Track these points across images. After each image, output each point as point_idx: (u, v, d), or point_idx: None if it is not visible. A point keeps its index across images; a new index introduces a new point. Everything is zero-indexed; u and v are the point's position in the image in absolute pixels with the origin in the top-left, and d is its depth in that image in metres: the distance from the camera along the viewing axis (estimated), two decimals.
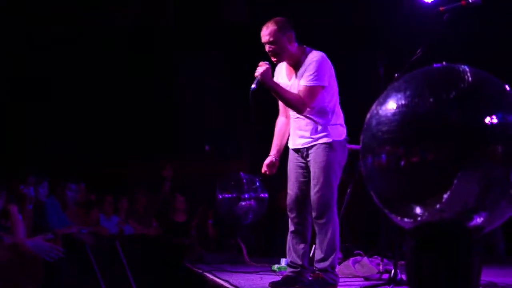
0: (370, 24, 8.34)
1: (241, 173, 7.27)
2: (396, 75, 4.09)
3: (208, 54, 10.04)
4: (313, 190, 4.27)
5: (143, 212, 8.89)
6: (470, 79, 2.18)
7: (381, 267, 5.03)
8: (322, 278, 4.22)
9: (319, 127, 4.29)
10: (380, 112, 2.26)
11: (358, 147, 2.48)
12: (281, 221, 8.05)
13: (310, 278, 4.34)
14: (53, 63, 9.40)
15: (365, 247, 5.77)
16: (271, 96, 4.34)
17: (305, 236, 4.40)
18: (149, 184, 9.19)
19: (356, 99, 4.45)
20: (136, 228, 8.50)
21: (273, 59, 4.34)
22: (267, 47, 4.31)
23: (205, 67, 9.97)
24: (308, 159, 4.33)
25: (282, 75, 4.44)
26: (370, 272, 5.03)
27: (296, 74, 4.33)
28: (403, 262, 4.31)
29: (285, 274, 4.48)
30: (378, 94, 2.42)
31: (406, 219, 2.24)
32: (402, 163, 2.13)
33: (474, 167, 2.08)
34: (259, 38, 4.31)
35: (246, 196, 7.03)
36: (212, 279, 5.25)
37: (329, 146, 4.26)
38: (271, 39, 4.26)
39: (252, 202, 7.06)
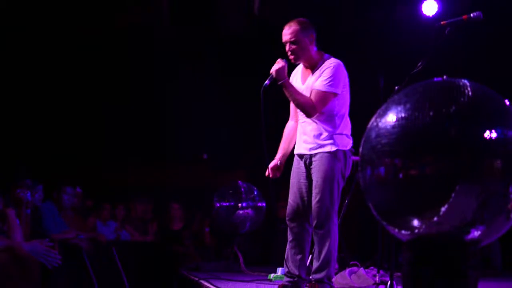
0: (371, 37, 8.37)
1: (239, 181, 7.29)
2: (396, 88, 4.10)
3: (207, 61, 10.06)
4: (314, 199, 4.25)
5: (140, 220, 8.90)
6: (470, 93, 2.19)
7: (377, 278, 5.02)
8: None
9: (325, 134, 4.27)
10: (380, 124, 2.27)
11: (356, 158, 2.49)
12: (278, 230, 8.08)
13: None
14: (51, 66, 9.41)
15: (361, 258, 5.77)
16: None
17: (304, 247, 4.38)
18: (147, 191, 9.20)
19: (355, 111, 4.45)
20: (133, 235, 8.51)
21: (291, 59, 4.33)
22: (287, 46, 4.30)
23: (204, 74, 9.98)
24: (311, 167, 4.31)
25: (297, 78, 4.43)
26: (366, 283, 5.03)
27: (310, 78, 4.33)
28: (399, 273, 4.32)
29: (281, 283, 4.47)
30: (377, 106, 2.43)
31: (403, 231, 2.24)
32: (401, 175, 2.14)
33: (472, 181, 2.08)
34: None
35: (243, 204, 7.03)
36: (208, 287, 5.24)
37: (333, 155, 4.24)
38: (293, 38, 4.26)
39: (250, 210, 7.07)
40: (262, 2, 8.49)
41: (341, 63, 4.31)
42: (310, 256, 4.78)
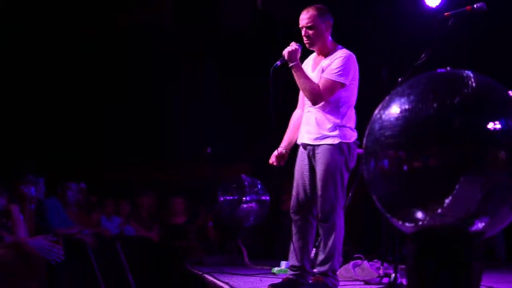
0: (375, 28, 8.35)
1: (243, 175, 7.28)
2: (399, 79, 4.09)
3: (207, 61, 10.06)
4: (319, 192, 4.23)
5: (145, 215, 8.91)
6: (474, 84, 2.18)
7: (381, 271, 5.02)
8: (323, 282, 4.20)
9: (329, 125, 4.24)
10: (383, 116, 2.27)
11: (360, 151, 2.48)
12: (282, 223, 8.08)
13: (310, 281, 4.33)
14: (52, 66, 9.42)
15: (365, 250, 5.77)
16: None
17: (308, 239, 4.36)
18: (150, 187, 9.21)
19: (359, 103, 4.43)
20: (137, 230, 8.52)
21: (306, 44, 4.31)
22: (303, 31, 4.28)
23: (204, 74, 9.99)
24: (314, 160, 4.29)
25: (308, 65, 4.42)
26: (370, 276, 5.03)
27: (321, 66, 4.31)
28: (403, 266, 4.31)
29: (285, 276, 4.46)
30: (381, 98, 2.42)
31: (407, 224, 2.24)
32: (405, 167, 2.13)
33: (476, 172, 2.08)
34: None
35: (247, 198, 7.03)
36: (212, 281, 5.24)
37: (337, 147, 4.20)
38: (310, 23, 4.25)
39: (254, 204, 7.07)
40: None
41: (353, 55, 4.30)
42: (315, 249, 4.78)
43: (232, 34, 9.70)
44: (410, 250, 2.27)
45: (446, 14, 4.14)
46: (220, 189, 7.17)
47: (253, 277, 5.42)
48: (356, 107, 4.39)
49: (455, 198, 2.09)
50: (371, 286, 4.86)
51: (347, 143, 4.25)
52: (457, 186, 2.08)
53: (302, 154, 4.40)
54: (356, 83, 4.33)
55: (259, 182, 7.23)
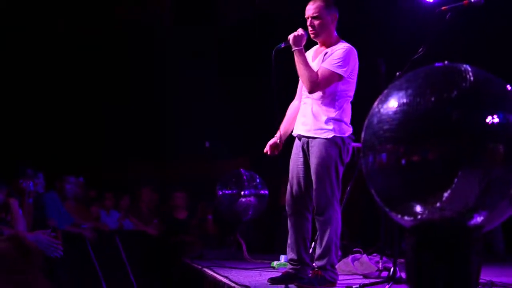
0: (372, 23, 8.33)
1: (242, 169, 7.29)
2: (397, 73, 4.09)
3: (207, 61, 10.06)
4: (314, 186, 4.23)
5: (144, 209, 8.91)
6: (471, 78, 2.18)
7: (380, 265, 5.03)
8: (321, 276, 4.20)
9: (323, 118, 4.24)
10: (382, 110, 2.27)
11: (358, 145, 2.48)
12: (281, 217, 8.09)
13: (309, 275, 4.34)
14: (52, 66, 9.41)
15: (364, 244, 5.78)
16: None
17: (304, 233, 4.37)
18: (150, 182, 9.21)
19: (356, 97, 4.43)
20: (136, 224, 8.52)
21: (312, 34, 4.33)
22: (309, 21, 4.30)
23: (204, 74, 9.98)
24: (309, 154, 4.29)
25: (309, 55, 4.43)
26: (369, 269, 5.04)
27: (321, 56, 4.32)
28: (402, 260, 4.32)
29: (285, 270, 4.47)
30: (379, 92, 2.42)
31: (406, 217, 2.24)
32: (403, 161, 2.14)
33: (475, 166, 2.08)
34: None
35: (246, 192, 7.04)
36: (211, 275, 5.26)
37: (331, 141, 4.21)
38: (316, 14, 4.27)
39: (252, 198, 7.08)
40: None
41: (354, 49, 4.31)
42: (313, 243, 4.78)
43: (232, 33, 9.70)
44: (409, 244, 2.27)
45: (443, 8, 4.13)
46: (219, 184, 7.18)
47: (252, 271, 5.43)
48: (353, 101, 4.39)
49: (453, 192, 2.09)
50: (370, 280, 4.86)
51: (342, 137, 4.25)
52: (455, 180, 2.08)
53: (297, 147, 4.41)
54: (354, 78, 4.33)
55: (257, 176, 7.24)
